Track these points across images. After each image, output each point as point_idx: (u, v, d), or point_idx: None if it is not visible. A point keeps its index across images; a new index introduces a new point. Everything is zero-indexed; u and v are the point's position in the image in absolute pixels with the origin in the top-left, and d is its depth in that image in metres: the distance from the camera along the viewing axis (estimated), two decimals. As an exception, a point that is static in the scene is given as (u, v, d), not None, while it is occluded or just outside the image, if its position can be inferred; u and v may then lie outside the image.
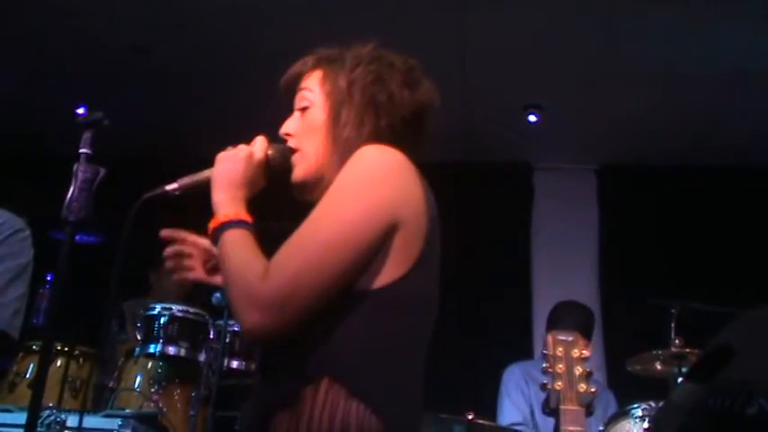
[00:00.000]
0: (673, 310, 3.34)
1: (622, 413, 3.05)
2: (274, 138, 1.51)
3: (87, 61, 4.63)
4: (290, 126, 1.50)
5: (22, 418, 2.10)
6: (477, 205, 5.24)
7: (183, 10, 4.18)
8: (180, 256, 1.57)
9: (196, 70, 4.65)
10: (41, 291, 3.25)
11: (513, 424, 3.30)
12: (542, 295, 5.09)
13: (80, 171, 1.48)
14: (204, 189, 1.44)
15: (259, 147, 1.47)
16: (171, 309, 3.47)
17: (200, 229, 1.50)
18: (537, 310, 5.09)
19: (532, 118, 4.93)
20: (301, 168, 1.46)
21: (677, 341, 3.16)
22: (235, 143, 1.50)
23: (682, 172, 5.28)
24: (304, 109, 1.48)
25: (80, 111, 4.74)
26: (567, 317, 3.30)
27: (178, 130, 5.12)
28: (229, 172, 1.42)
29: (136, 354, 3.45)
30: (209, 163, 1.48)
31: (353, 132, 1.40)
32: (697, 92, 4.58)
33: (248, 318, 1.23)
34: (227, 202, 1.38)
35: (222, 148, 1.50)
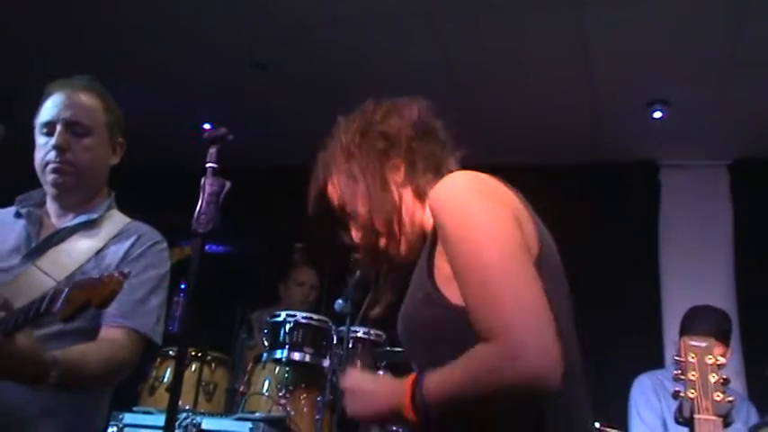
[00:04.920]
0: (818, 313, 3.11)
1: (765, 423, 2.87)
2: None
3: (211, 79, 4.86)
4: (355, 240, 1.46)
5: (161, 419, 2.22)
6: (602, 206, 5.11)
7: (298, 25, 4.29)
8: None
9: (313, 83, 4.77)
10: (176, 299, 3.41)
11: (642, 442, 3.16)
12: (673, 299, 4.87)
13: (207, 184, 1.53)
14: None
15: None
16: (295, 315, 3.56)
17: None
18: (667, 315, 4.87)
19: (657, 114, 4.74)
20: (397, 256, 1.41)
21: (823, 346, 2.94)
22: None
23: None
24: (350, 216, 1.44)
25: (206, 126, 4.98)
26: (701, 321, 3.11)
27: (298, 142, 5.26)
28: (370, 403, 1.30)
29: (263, 359, 3.56)
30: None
31: (388, 186, 1.39)
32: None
33: (525, 375, 1.06)
34: (392, 394, 1.24)
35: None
